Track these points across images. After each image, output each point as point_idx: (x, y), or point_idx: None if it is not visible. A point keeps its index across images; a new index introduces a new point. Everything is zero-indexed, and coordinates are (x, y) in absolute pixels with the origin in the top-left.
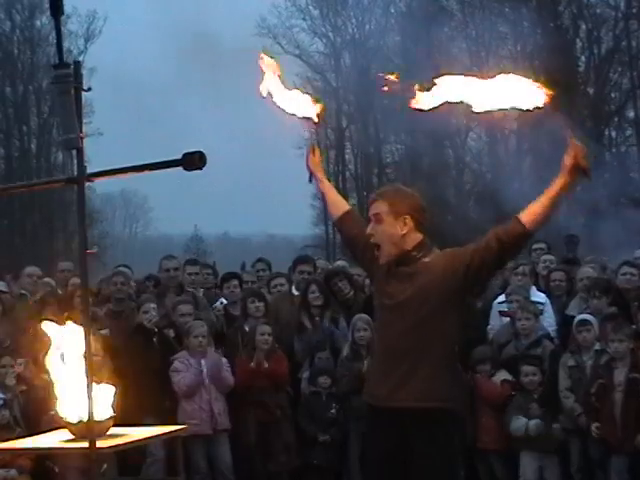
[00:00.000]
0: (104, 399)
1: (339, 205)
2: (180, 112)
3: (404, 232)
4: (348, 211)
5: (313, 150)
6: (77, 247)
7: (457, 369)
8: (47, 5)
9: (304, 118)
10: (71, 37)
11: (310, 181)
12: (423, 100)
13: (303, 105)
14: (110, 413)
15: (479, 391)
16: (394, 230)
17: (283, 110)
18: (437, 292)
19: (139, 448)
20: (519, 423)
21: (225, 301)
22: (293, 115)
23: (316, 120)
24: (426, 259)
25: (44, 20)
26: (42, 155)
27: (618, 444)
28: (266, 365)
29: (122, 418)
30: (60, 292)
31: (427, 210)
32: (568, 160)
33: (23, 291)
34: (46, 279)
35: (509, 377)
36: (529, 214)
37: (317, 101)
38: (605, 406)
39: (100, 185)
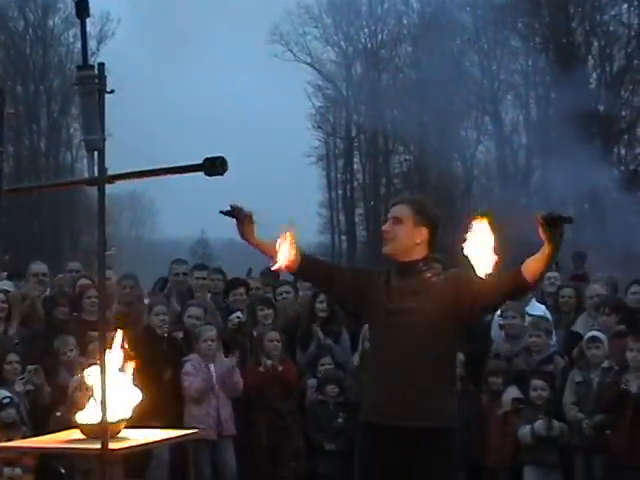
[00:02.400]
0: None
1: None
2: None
3: (418, 241)
4: (304, 257)
5: (243, 218)
6: (84, 246)
7: (455, 385)
8: (60, 5)
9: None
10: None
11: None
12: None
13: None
14: (125, 415)
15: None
16: (409, 235)
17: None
18: (439, 314)
19: (144, 450)
20: (525, 429)
21: (241, 315)
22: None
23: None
24: (428, 274)
25: (57, 20)
26: (51, 154)
27: (625, 456)
28: (280, 368)
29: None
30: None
31: (439, 232)
32: (539, 222)
33: (31, 291)
34: (60, 275)
35: (519, 394)
36: (532, 270)
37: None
38: (615, 416)
39: (109, 186)
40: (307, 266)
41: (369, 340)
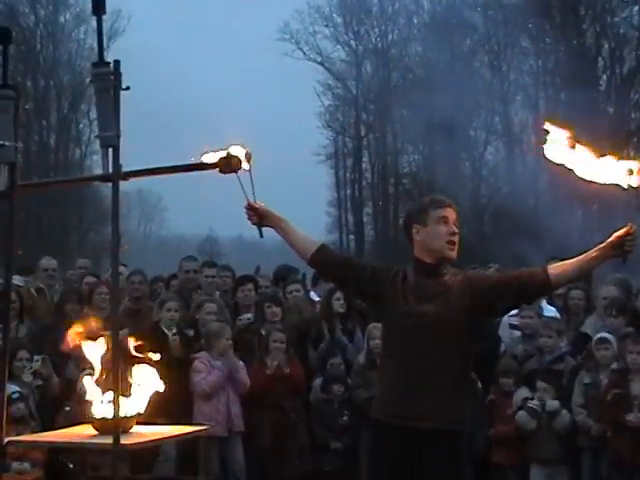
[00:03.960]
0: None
1: (308, 245)
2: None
3: None
4: (321, 246)
5: (250, 207)
6: (92, 243)
7: (469, 387)
8: (72, 1)
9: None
10: (94, 34)
11: (261, 235)
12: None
13: None
14: (139, 410)
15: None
16: None
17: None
18: (457, 317)
19: (152, 446)
20: (521, 412)
21: (250, 317)
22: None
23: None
24: (447, 277)
25: (68, 16)
26: (60, 150)
27: (631, 458)
28: (287, 370)
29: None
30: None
31: None
32: (616, 237)
33: (41, 285)
34: (70, 272)
35: (529, 395)
36: (559, 272)
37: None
38: (620, 418)
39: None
40: (323, 255)
41: (383, 340)
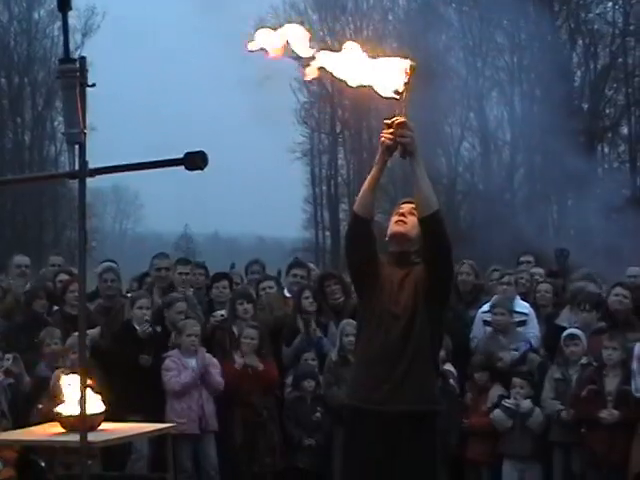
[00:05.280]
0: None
1: (373, 207)
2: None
3: (418, 241)
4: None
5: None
6: (67, 240)
7: (436, 370)
8: None
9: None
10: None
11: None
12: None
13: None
14: (101, 408)
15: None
16: (417, 230)
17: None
18: (424, 300)
19: (124, 444)
20: (496, 410)
21: (223, 313)
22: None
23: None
24: (418, 267)
25: (42, 13)
26: (35, 148)
27: (604, 454)
28: (261, 367)
29: (108, 414)
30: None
31: None
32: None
33: (12, 282)
34: (43, 270)
35: (504, 392)
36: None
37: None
38: (594, 414)
39: (92, 180)
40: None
41: (359, 323)
